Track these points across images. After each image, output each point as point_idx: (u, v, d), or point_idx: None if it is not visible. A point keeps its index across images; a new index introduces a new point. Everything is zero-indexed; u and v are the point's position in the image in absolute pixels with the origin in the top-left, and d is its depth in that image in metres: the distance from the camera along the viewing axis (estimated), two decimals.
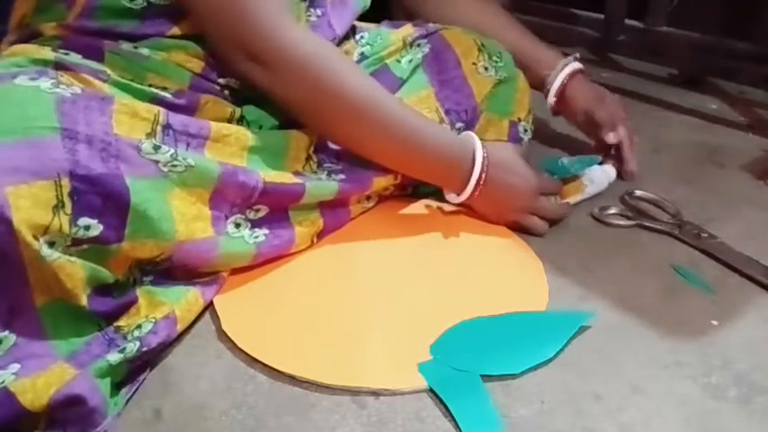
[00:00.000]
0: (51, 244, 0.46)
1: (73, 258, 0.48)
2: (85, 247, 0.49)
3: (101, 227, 0.50)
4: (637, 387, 0.54)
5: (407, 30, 0.82)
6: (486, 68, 0.80)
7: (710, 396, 0.54)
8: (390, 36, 0.81)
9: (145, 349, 0.52)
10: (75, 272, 0.48)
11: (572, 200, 0.79)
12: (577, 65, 0.86)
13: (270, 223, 0.65)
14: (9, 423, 0.45)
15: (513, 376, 0.55)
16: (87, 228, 0.49)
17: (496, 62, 0.81)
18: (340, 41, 0.77)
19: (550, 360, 0.56)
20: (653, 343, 0.59)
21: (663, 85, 1.23)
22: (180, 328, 0.57)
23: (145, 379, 0.54)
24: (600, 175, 0.82)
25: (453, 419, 0.51)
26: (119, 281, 0.52)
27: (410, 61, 0.78)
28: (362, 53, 0.80)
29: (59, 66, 0.56)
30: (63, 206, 0.47)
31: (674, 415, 0.52)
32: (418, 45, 0.80)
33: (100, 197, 0.49)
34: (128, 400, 0.52)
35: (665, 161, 0.94)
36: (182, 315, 0.57)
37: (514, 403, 0.53)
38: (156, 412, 0.52)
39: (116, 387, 0.52)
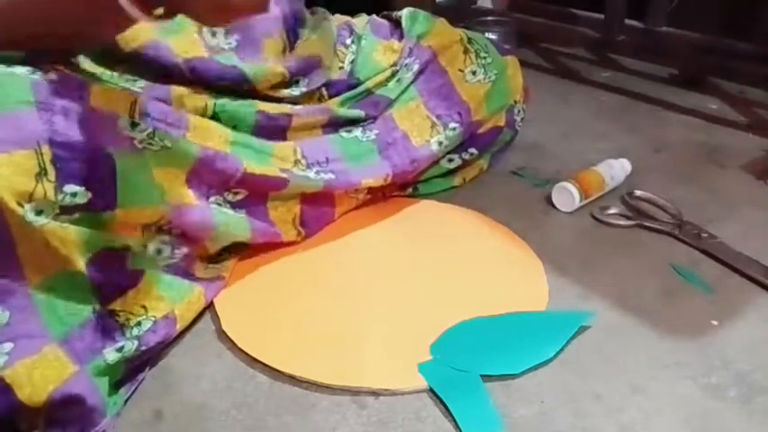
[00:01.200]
0: (39, 212, 0.46)
1: (65, 225, 0.47)
2: (77, 215, 0.49)
3: (89, 194, 0.49)
4: (637, 387, 0.54)
5: (394, 47, 0.82)
6: (474, 72, 0.81)
7: (710, 396, 0.54)
8: (378, 62, 0.81)
9: (143, 348, 0.52)
10: (66, 236, 0.47)
11: (595, 196, 0.81)
12: None
13: (248, 207, 0.65)
14: (5, 416, 0.45)
15: (513, 376, 0.55)
16: (74, 195, 0.48)
17: (484, 58, 0.82)
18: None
19: (550, 360, 0.56)
20: (653, 343, 0.59)
21: (663, 85, 1.22)
22: (179, 327, 0.57)
23: (144, 378, 0.54)
24: (619, 171, 0.85)
25: (453, 419, 0.51)
26: (128, 246, 0.52)
27: (398, 81, 0.80)
28: (351, 71, 0.80)
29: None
30: (46, 173, 0.46)
31: (674, 415, 0.52)
32: (406, 65, 0.81)
33: (84, 164, 0.49)
34: (127, 400, 0.52)
35: (665, 161, 0.94)
36: (181, 314, 0.57)
37: (514, 403, 0.53)
38: (156, 412, 0.52)
39: (115, 386, 0.52)
